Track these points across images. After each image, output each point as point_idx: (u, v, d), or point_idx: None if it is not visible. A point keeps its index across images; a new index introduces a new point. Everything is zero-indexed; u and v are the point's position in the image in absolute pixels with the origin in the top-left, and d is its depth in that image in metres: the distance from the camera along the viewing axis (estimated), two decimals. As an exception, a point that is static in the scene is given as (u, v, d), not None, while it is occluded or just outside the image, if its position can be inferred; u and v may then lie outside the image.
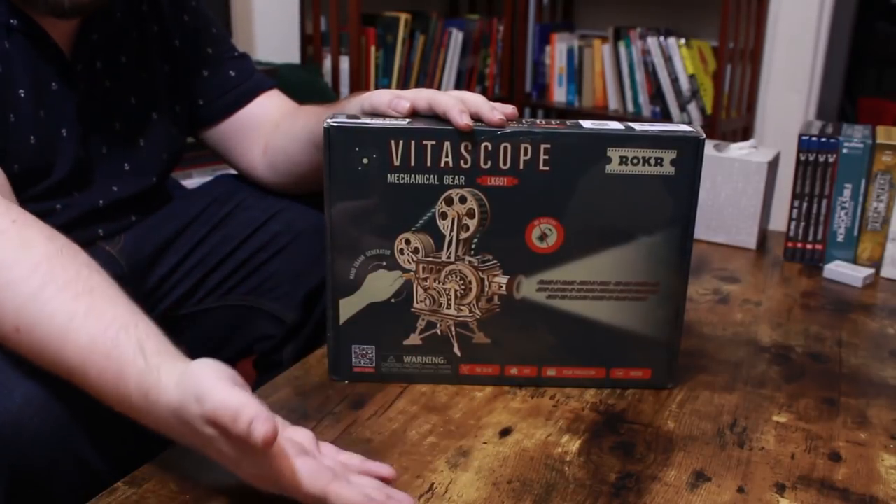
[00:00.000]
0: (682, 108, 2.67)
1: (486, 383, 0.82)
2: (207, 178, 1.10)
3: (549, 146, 0.75)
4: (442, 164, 0.75)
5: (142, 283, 0.96)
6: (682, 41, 2.63)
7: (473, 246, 0.78)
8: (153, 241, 0.97)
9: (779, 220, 1.36)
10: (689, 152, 0.76)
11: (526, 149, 0.75)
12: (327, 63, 2.40)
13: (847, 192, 1.17)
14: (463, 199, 0.77)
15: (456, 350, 0.82)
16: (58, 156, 0.86)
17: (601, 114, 2.81)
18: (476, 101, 0.76)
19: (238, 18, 2.22)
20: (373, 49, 2.43)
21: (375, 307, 0.80)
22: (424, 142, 0.75)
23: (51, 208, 0.86)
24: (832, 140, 1.16)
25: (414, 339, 0.81)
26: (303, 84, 2.14)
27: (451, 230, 0.77)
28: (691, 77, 2.63)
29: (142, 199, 0.97)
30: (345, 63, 2.37)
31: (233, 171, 1.08)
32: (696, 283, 1.12)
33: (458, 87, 2.72)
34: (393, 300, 0.80)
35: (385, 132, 0.75)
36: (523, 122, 0.76)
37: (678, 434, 0.76)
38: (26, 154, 0.83)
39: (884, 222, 1.16)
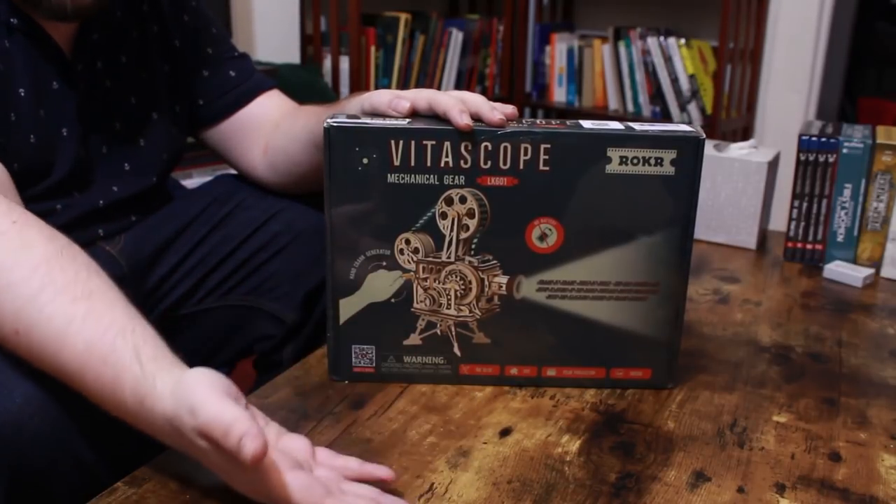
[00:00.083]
0: (682, 108, 2.67)
1: (486, 383, 0.82)
2: (207, 178, 1.10)
3: (549, 146, 0.75)
4: (442, 164, 0.75)
5: (142, 283, 0.96)
6: (682, 41, 2.63)
7: (473, 246, 0.78)
8: (153, 241, 0.97)
9: (779, 220, 1.36)
10: (689, 152, 0.76)
11: (526, 149, 0.75)
12: (327, 63, 2.40)
13: (847, 192, 1.17)
14: (463, 199, 0.77)
15: (456, 350, 0.82)
16: (58, 155, 0.86)
17: (601, 114, 2.81)
18: (476, 101, 0.76)
19: (238, 18, 2.22)
20: (373, 49, 2.43)
21: (375, 307, 0.80)
22: (424, 142, 0.75)
23: (51, 208, 0.86)
24: (832, 140, 1.16)
25: (414, 339, 0.81)
26: (303, 84, 2.14)
27: (451, 230, 0.77)
28: (691, 77, 2.63)
29: (142, 200, 0.97)
30: (345, 63, 2.37)
31: (233, 171, 1.08)
32: (696, 283, 1.12)
33: (458, 87, 2.72)
34: (393, 300, 0.80)
35: (385, 132, 0.75)
36: (523, 122, 0.76)
37: (678, 434, 0.76)
38: (26, 153, 0.83)
39: (884, 222, 1.16)
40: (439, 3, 2.95)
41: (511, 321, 0.80)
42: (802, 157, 1.18)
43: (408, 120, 0.76)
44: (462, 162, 0.75)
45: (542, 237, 0.78)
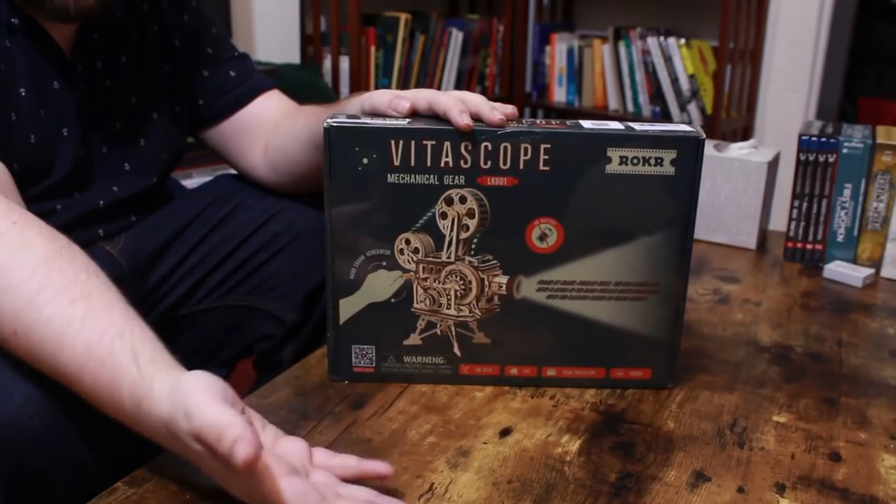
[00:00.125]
0: (682, 108, 2.67)
1: (486, 383, 0.82)
2: (207, 178, 1.10)
3: (549, 146, 0.75)
4: (442, 164, 0.75)
5: (142, 284, 0.96)
6: (682, 41, 2.63)
7: (473, 246, 0.78)
8: (153, 242, 0.97)
9: (779, 220, 1.36)
10: (689, 152, 0.76)
11: (526, 149, 0.75)
12: (327, 63, 2.40)
13: (847, 192, 1.17)
14: (463, 199, 0.77)
15: (456, 350, 0.82)
16: (58, 155, 0.86)
17: (601, 114, 2.81)
18: (476, 101, 0.76)
19: (238, 18, 2.22)
20: (373, 49, 2.43)
21: (375, 307, 0.80)
22: (424, 142, 0.75)
23: (51, 208, 0.86)
24: (832, 140, 1.16)
25: (414, 339, 0.81)
26: (303, 84, 2.14)
27: (451, 230, 0.77)
28: (691, 77, 2.63)
29: (142, 200, 0.97)
30: (345, 63, 2.37)
31: (233, 171, 1.08)
32: (696, 283, 1.12)
33: (458, 87, 2.72)
34: (393, 300, 0.80)
35: (385, 132, 0.75)
36: (523, 122, 0.76)
37: (678, 434, 0.76)
38: (27, 153, 0.83)
39: (884, 222, 1.16)
40: (439, 3, 2.95)
41: (511, 321, 0.80)
42: (802, 157, 1.18)
43: (408, 120, 0.76)
44: (462, 162, 0.75)
45: (542, 237, 0.78)
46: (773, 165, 1.27)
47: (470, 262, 0.79)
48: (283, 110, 1.02)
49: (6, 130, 0.81)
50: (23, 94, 0.82)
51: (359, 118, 0.77)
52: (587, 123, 0.77)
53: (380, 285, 0.79)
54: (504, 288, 0.79)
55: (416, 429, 0.75)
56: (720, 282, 1.13)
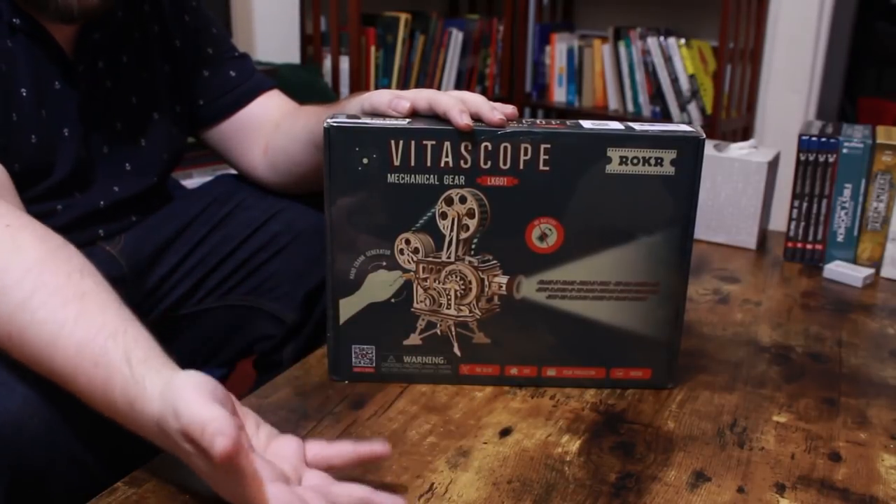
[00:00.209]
0: (682, 108, 2.67)
1: (486, 383, 0.82)
2: (207, 178, 1.10)
3: (549, 146, 0.75)
4: (442, 164, 0.75)
5: (142, 284, 0.96)
6: (682, 41, 2.63)
7: (473, 246, 0.78)
8: (153, 241, 0.97)
9: (779, 220, 1.36)
10: (689, 152, 0.76)
11: (526, 149, 0.75)
12: (327, 63, 2.40)
13: (847, 192, 1.17)
14: (463, 199, 0.77)
15: (456, 350, 0.82)
16: (59, 155, 0.86)
17: (601, 114, 2.81)
18: (476, 101, 0.76)
19: (238, 18, 2.22)
20: (373, 49, 2.43)
21: (375, 307, 0.80)
22: (424, 142, 0.75)
23: (52, 209, 0.86)
24: (832, 140, 1.16)
25: (414, 339, 0.81)
26: (303, 84, 2.14)
27: (451, 230, 0.78)
28: (691, 77, 2.63)
29: (142, 200, 0.97)
30: (345, 63, 2.37)
31: (233, 171, 1.08)
32: (696, 283, 1.12)
33: (458, 87, 2.72)
34: (393, 300, 0.80)
35: (385, 132, 0.75)
36: (523, 122, 0.76)
37: (678, 434, 0.76)
38: (27, 153, 0.83)
39: (884, 222, 1.16)
40: (439, 3, 2.95)
41: (511, 321, 0.80)
42: (802, 157, 1.18)
43: (408, 120, 0.76)
44: (462, 162, 0.75)
45: (542, 237, 0.78)
46: (773, 165, 1.27)
47: (470, 262, 0.79)
48: (283, 110, 1.02)
49: (7, 131, 0.81)
50: (24, 94, 0.82)
51: (359, 118, 0.77)
52: (587, 123, 0.77)
53: (380, 285, 0.79)
54: (504, 288, 0.79)
55: (416, 429, 0.75)
56: (720, 282, 1.13)
